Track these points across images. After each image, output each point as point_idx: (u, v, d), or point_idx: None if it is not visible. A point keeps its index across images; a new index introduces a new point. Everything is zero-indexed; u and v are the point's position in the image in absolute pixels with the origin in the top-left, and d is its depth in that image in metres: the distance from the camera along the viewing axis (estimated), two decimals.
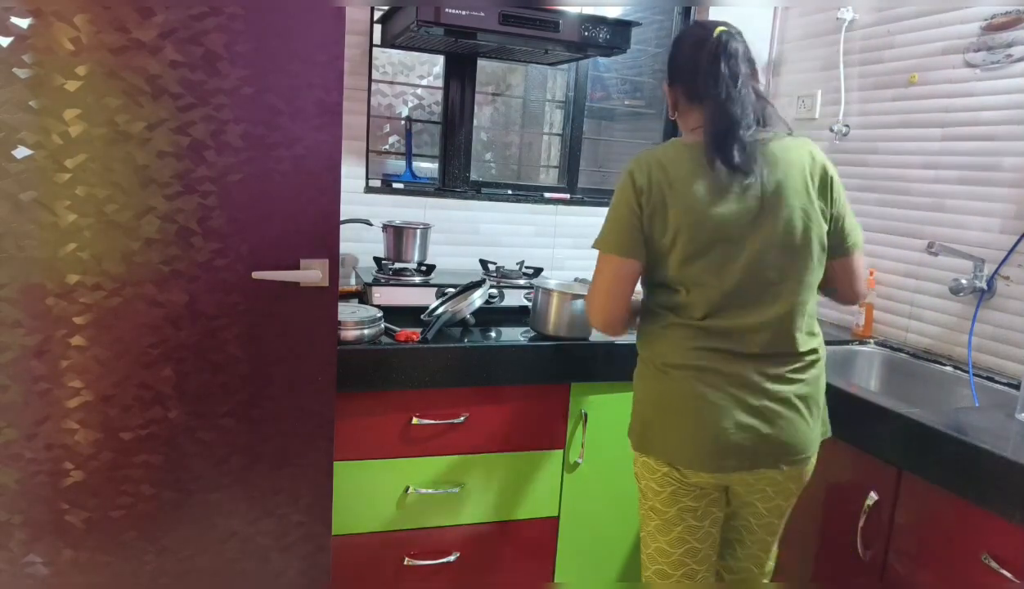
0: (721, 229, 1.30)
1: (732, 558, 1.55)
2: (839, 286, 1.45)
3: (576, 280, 2.05)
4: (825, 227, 1.36)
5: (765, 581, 1.57)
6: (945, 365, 1.92)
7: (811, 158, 1.37)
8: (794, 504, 1.48)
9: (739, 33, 1.38)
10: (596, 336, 1.93)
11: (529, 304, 1.99)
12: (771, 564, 1.56)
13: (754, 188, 1.30)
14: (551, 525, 1.98)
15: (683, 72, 1.40)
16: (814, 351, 1.37)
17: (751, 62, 1.38)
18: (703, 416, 1.31)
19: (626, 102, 2.83)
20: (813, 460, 1.40)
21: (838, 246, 1.39)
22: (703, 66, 1.33)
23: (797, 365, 1.34)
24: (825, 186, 1.37)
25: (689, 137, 1.40)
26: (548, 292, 1.89)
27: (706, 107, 1.34)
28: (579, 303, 1.87)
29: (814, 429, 1.37)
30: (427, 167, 2.53)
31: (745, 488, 1.41)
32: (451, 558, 1.88)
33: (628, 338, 1.91)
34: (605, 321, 1.40)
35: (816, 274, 1.36)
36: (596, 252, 1.41)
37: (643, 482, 1.45)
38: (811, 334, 1.37)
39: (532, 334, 1.92)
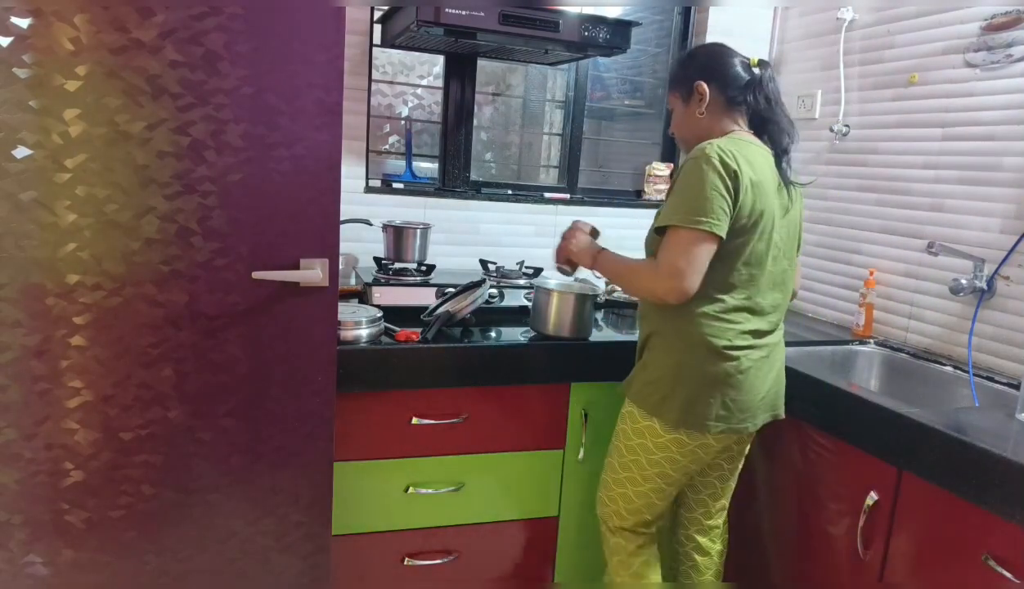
0: (773, 222, 1.51)
1: (708, 517, 1.75)
2: None
3: (576, 280, 2.05)
4: (800, 230, 1.67)
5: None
6: (945, 365, 1.92)
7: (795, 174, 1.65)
8: None
9: None
10: (596, 336, 1.94)
11: (529, 304, 1.99)
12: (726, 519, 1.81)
13: (792, 195, 1.58)
14: (551, 525, 1.98)
15: (727, 78, 1.56)
16: (782, 319, 1.65)
17: None
18: (750, 388, 1.53)
19: (626, 102, 2.83)
20: None
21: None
22: (766, 88, 1.55)
23: (781, 332, 1.64)
24: (801, 196, 1.66)
25: (739, 135, 1.54)
26: (548, 292, 1.88)
27: (760, 121, 1.57)
28: (580, 303, 1.87)
29: None
30: (427, 167, 2.53)
31: (738, 438, 1.63)
32: (451, 558, 1.88)
33: (631, 336, 1.93)
34: (685, 294, 1.43)
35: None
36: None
37: (660, 454, 1.57)
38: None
39: (532, 334, 1.92)
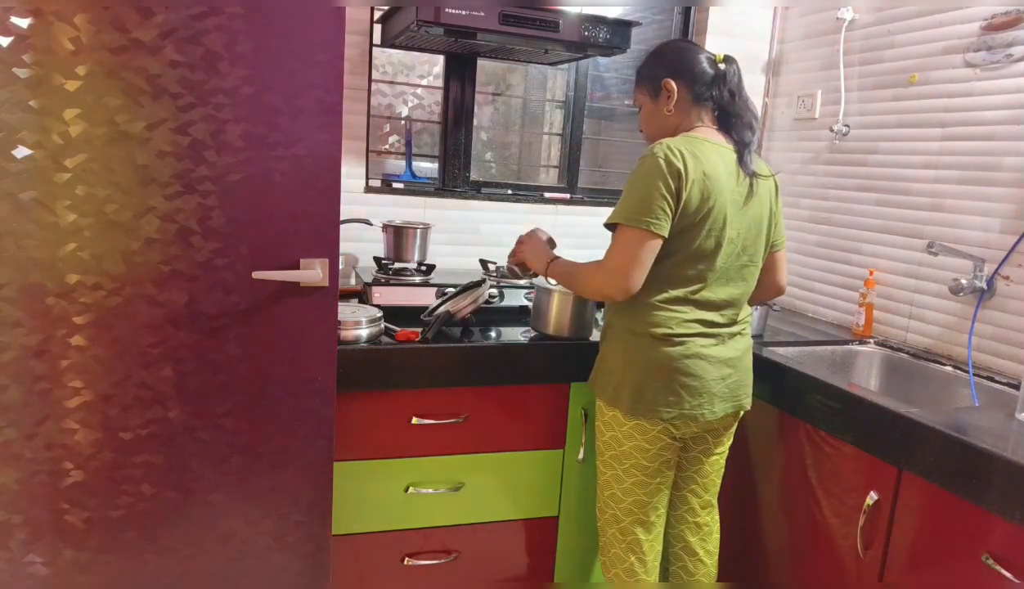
0: (728, 218, 1.52)
1: (693, 514, 1.75)
2: (767, 277, 1.70)
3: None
4: (773, 225, 1.65)
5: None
6: (945, 365, 1.92)
7: (767, 166, 1.65)
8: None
9: None
10: (596, 336, 1.94)
11: (529, 304, 1.99)
12: (718, 517, 1.79)
13: (753, 190, 1.57)
14: (551, 525, 1.98)
15: (694, 75, 1.58)
16: (749, 314, 1.69)
17: None
18: (699, 374, 1.55)
19: (626, 102, 2.83)
20: None
21: (773, 243, 1.68)
22: (730, 83, 1.58)
23: (742, 326, 1.65)
24: (777, 191, 1.66)
25: (700, 133, 1.56)
26: (548, 292, 1.89)
27: (725, 115, 1.59)
28: (580, 303, 1.87)
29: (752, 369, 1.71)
30: (427, 167, 2.54)
31: (707, 427, 1.64)
32: (451, 558, 1.88)
33: None
34: (628, 292, 1.48)
35: (763, 263, 1.66)
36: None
37: (629, 444, 1.59)
38: (747, 303, 1.68)
39: (532, 334, 1.92)
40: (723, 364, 1.58)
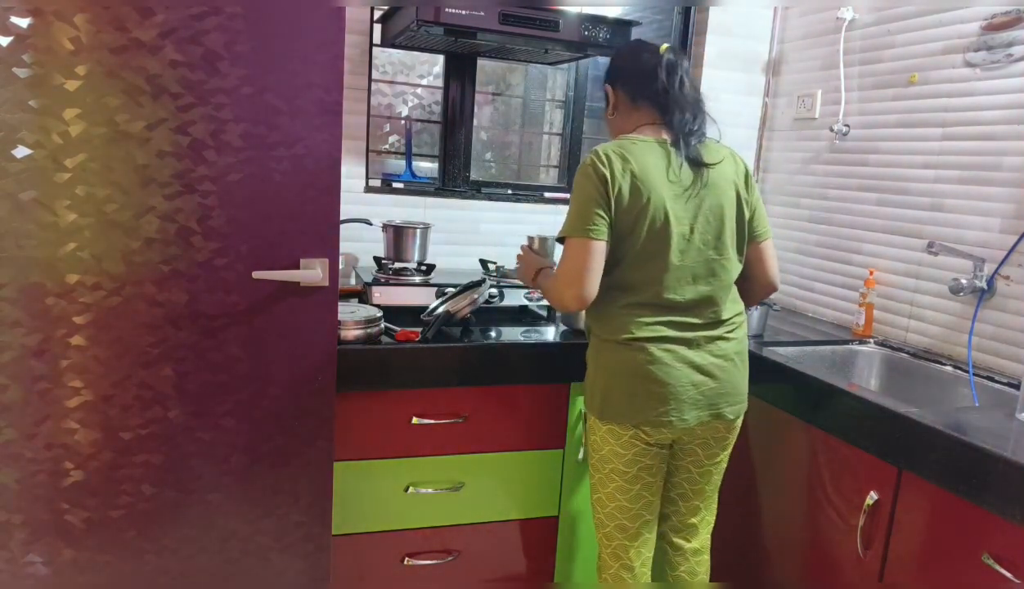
0: (675, 214, 1.49)
1: (677, 515, 1.70)
2: (755, 272, 1.65)
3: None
4: (747, 214, 1.58)
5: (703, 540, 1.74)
6: (945, 365, 1.92)
7: (733, 156, 1.61)
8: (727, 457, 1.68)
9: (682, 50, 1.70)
10: None
11: (529, 304, 1.99)
12: (710, 518, 1.73)
13: (700, 179, 1.52)
14: (551, 524, 1.98)
15: (628, 76, 1.59)
16: (739, 314, 1.61)
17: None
18: (664, 379, 1.50)
19: None
20: (745, 405, 1.62)
21: (753, 234, 1.62)
22: (660, 76, 1.54)
23: (728, 328, 1.57)
24: (747, 180, 1.60)
25: (639, 133, 1.56)
26: None
27: (663, 109, 1.56)
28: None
29: (745, 377, 1.62)
30: (427, 167, 2.53)
31: (690, 437, 1.59)
32: (451, 558, 1.88)
33: None
34: (583, 299, 1.48)
35: (740, 256, 1.59)
36: None
37: (606, 448, 1.59)
38: (734, 301, 1.60)
39: (532, 334, 1.91)
40: (695, 370, 1.52)
